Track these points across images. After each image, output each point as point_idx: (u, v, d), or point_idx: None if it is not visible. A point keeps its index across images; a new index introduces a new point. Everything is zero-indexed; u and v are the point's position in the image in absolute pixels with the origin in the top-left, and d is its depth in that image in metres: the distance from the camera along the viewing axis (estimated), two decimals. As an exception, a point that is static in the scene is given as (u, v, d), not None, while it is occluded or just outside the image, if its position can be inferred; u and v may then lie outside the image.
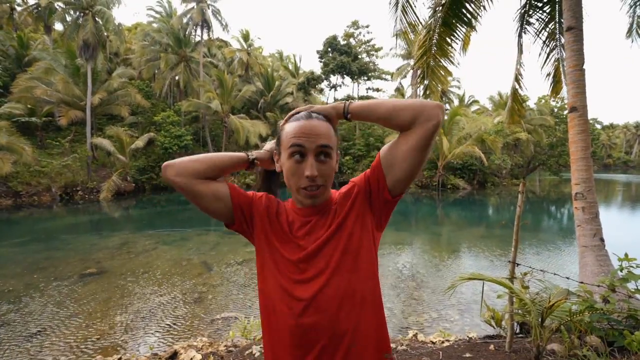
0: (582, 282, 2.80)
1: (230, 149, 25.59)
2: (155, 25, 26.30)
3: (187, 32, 25.47)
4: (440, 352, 2.81)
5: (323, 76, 26.87)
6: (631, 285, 2.65)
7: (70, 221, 13.36)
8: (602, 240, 3.72)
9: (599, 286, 2.78)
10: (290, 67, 32.02)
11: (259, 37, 38.45)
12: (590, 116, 4.21)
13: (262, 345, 3.06)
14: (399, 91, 32.99)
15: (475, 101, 34.40)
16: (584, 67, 3.87)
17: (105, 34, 19.94)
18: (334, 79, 27.23)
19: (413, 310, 5.24)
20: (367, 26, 28.27)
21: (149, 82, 26.14)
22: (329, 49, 26.70)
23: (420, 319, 4.88)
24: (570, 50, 3.89)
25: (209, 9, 24.93)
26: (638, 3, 4.95)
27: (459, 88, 33.01)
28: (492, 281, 2.22)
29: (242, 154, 0.89)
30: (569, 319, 2.33)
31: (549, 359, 2.52)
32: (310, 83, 26.63)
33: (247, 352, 2.98)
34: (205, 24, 25.28)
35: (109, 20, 19.28)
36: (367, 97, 27.76)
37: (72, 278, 6.55)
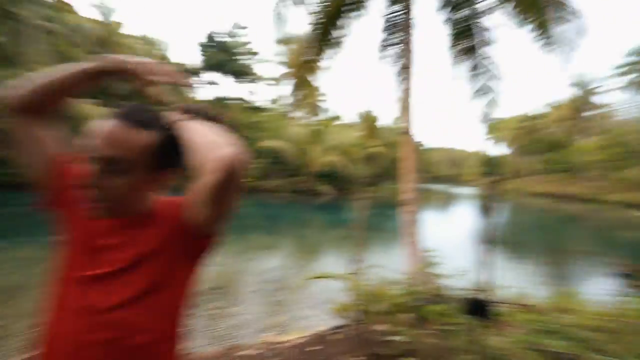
0: (405, 272, 3.53)
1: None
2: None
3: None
4: (296, 349, 3.02)
5: (199, 71, 25.07)
6: (435, 271, 3.50)
7: None
8: (421, 236, 4.77)
9: (416, 273, 3.56)
10: (157, 53, 28.53)
11: (115, 10, 32.69)
12: (423, 139, 5.38)
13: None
14: (277, 98, 33.95)
15: (342, 115, 38.68)
16: (412, 99, 4.91)
17: None
18: (213, 75, 25.79)
19: (274, 312, 5.41)
20: (245, 27, 28.01)
21: None
22: (211, 44, 25.20)
23: (278, 320, 5.07)
24: (405, 84, 4.87)
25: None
26: (456, 58, 6.55)
27: (326, 102, 36.45)
28: (338, 277, 2.54)
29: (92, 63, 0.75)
30: (393, 302, 2.90)
31: (379, 338, 3.05)
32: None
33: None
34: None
35: None
36: (244, 100, 27.42)
37: None
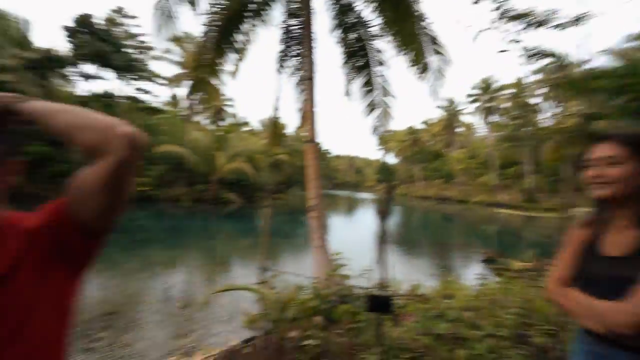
0: (312, 276, 3.59)
1: None
2: None
3: None
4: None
5: (72, 59, 21.18)
6: (342, 273, 3.66)
7: None
8: (327, 240, 4.95)
9: (322, 277, 3.65)
10: (13, 33, 23.09)
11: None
12: (327, 146, 5.62)
13: None
14: (174, 100, 31.20)
15: (248, 122, 37.93)
16: (315, 108, 5.10)
17: None
18: (88, 67, 22.09)
19: (179, 332, 4.87)
20: (135, 17, 25.01)
21: None
22: (83, 29, 21.50)
23: (186, 341, 4.59)
24: (307, 95, 5.04)
25: None
26: (348, 74, 7.15)
27: (232, 107, 35.29)
28: (244, 289, 2.41)
29: None
30: (302, 307, 2.90)
31: (289, 344, 3.01)
32: (49, 64, 20.21)
33: None
34: None
35: None
36: (135, 99, 24.36)
37: None
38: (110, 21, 23.81)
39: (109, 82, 25.12)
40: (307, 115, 4.99)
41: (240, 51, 5.96)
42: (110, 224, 0.64)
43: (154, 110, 25.19)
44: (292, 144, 32.11)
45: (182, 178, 23.61)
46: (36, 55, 20.09)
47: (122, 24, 24.24)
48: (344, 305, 3.25)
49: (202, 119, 28.58)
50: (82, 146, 0.59)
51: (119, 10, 24.25)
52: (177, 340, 4.64)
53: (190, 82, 6.39)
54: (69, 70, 21.70)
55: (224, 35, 5.61)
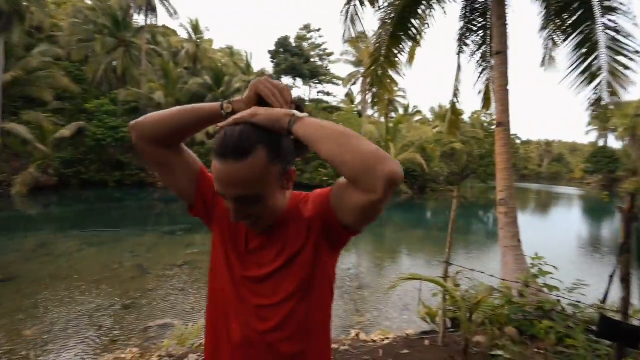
0: (503, 279, 3.14)
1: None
2: (88, 1, 23.68)
3: (128, 15, 23.38)
4: (381, 350, 2.93)
5: (275, 76, 26.61)
6: (541, 281, 3.04)
7: (-31, 219, 11.38)
8: (519, 241, 4.21)
9: (516, 282, 3.14)
10: (242, 64, 31.19)
11: (207, 29, 36.81)
12: (513, 131, 4.76)
13: (199, 354, 2.90)
14: (349, 97, 34.00)
15: (419, 111, 36.81)
16: (508, 87, 4.35)
17: (25, 3, 17.38)
18: (286, 79, 27.13)
19: (356, 310, 5.39)
20: (319, 30, 28.64)
21: (80, 65, 23.40)
22: (281, 49, 26.56)
23: (362, 319, 5.04)
24: (498, 72, 4.35)
25: (155, -8, 23.22)
26: (550, 38, 5.73)
27: (404, 98, 35.00)
28: (428, 280, 2.38)
29: (215, 106, 0.73)
30: (492, 313, 2.59)
31: (475, 350, 2.77)
32: (261, 82, 26.17)
33: (183, 361, 2.80)
34: (150, 8, 23.48)
35: (30, -12, 16.92)
36: (319, 101, 28.12)
37: (-31, 286, 5.57)
38: (300, 38, 28.33)
39: (299, 90, 30.05)
40: (498, 94, 4.33)
41: (416, 37, 5.81)
42: (362, 227, 0.72)
43: (333, 109, 28.33)
44: (468, 131, 29.00)
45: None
46: (254, 77, 26.37)
47: (309, 38, 28.39)
48: (546, 322, 2.70)
49: (374, 112, 29.93)
50: (346, 174, 0.62)
51: (307, 27, 28.49)
52: (355, 317, 5.14)
53: (365, 79, 6.76)
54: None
55: (400, 22, 5.60)
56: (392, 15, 5.68)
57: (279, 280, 0.73)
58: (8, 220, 11.68)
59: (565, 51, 5.05)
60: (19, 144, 17.35)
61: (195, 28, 27.30)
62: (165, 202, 17.67)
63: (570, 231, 15.03)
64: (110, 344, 4.07)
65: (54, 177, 17.51)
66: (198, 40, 27.35)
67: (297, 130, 0.65)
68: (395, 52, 5.94)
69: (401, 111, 33.91)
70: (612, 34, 4.58)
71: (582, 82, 4.87)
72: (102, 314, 4.84)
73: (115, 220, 12.56)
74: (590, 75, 4.79)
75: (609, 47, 4.67)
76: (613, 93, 4.66)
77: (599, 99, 4.84)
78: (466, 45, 6.22)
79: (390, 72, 6.18)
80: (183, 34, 28.08)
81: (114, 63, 23.22)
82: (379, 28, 5.95)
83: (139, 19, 24.59)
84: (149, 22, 24.19)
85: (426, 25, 5.86)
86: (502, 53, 4.44)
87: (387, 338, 3.47)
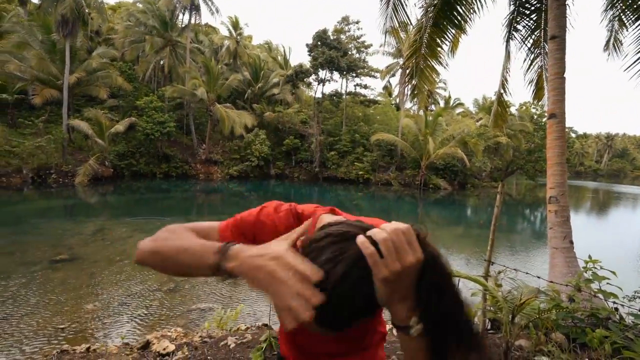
0: (551, 282, 2.92)
1: (215, 138, 25.12)
2: (139, 5, 25.30)
3: (174, 15, 24.66)
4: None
5: (312, 70, 26.69)
6: (594, 286, 2.78)
7: (41, 205, 12.80)
8: (571, 242, 3.88)
9: (566, 286, 2.91)
10: (280, 58, 31.63)
11: (247, 25, 37.66)
12: (567, 124, 4.37)
13: (237, 337, 3.04)
14: (387, 89, 33.20)
15: (460, 104, 35.06)
16: (564, 75, 3.99)
17: (87, 10, 19.01)
18: (323, 73, 27.09)
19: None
20: (358, 22, 28.06)
21: (132, 65, 25.19)
22: (319, 43, 26.49)
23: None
24: (553, 58, 4.00)
25: (198, -8, 24.21)
26: (616, 18, 5.14)
27: (444, 90, 33.48)
28: (468, 278, 2.28)
29: (210, 266, 0.54)
30: (537, 316, 2.43)
31: (517, 354, 2.62)
32: (298, 76, 26.38)
33: (221, 343, 2.95)
34: (194, 8, 24.54)
35: (91, -5, 18.43)
36: (356, 94, 27.78)
37: (41, 264, 6.29)
38: (338, 31, 28.04)
39: (337, 83, 29.76)
40: (552, 83, 3.99)
41: (461, 24, 5.51)
42: None
43: (371, 102, 27.84)
44: (515, 124, 27.16)
45: (393, 163, 25.10)
46: (292, 71, 26.64)
47: (347, 31, 28.01)
48: (601, 330, 2.47)
49: (412, 105, 28.98)
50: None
51: (345, 19, 28.11)
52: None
53: (404, 70, 6.54)
54: (311, 79, 27.52)
55: (444, 8, 5.34)
56: (436, 1, 5.42)
57: None
58: (72, 207, 12.99)
59: (635, 34, 4.52)
60: (81, 139, 19.16)
61: (235, 25, 28.10)
62: (206, 192, 18.60)
63: (632, 235, 13.58)
64: (157, 322, 4.41)
65: (109, 168, 19.14)
66: (238, 37, 28.14)
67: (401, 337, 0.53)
68: (438, 41, 5.69)
69: (442, 104, 32.51)
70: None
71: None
72: (151, 295, 5.24)
73: (162, 209, 13.47)
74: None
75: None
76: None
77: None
78: (516, 30, 5.79)
79: (432, 63, 5.94)
80: (224, 31, 29.04)
81: (162, 62, 24.68)
82: (422, 16, 5.72)
83: (183, 19, 25.84)
84: (192, 21, 25.32)
85: (472, 11, 5.54)
86: (558, 37, 4.06)
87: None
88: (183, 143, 24.37)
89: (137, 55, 25.11)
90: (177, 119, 24.03)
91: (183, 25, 25.64)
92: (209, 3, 24.82)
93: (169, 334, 3.41)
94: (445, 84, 32.23)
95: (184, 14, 25.40)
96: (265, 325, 3.58)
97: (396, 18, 5.60)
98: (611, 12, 4.91)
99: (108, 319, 4.45)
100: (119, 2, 30.79)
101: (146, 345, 3.08)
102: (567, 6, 4.15)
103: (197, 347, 2.93)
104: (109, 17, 25.70)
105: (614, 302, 2.57)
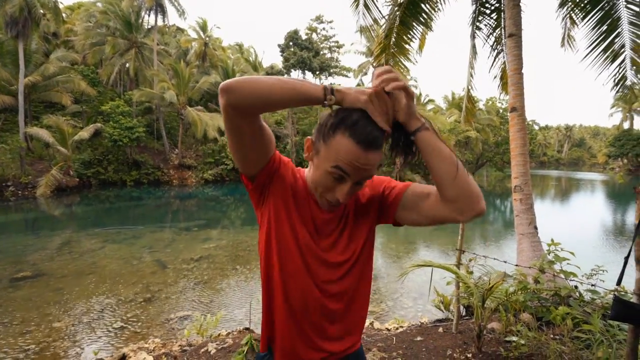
0: (517, 266, 3.09)
1: (187, 142, 24.44)
2: (99, 5, 24.12)
3: (139, 16, 23.72)
4: (394, 338, 2.95)
5: (284, 70, 26.58)
6: (557, 267, 2.98)
7: (-1, 220, 11.95)
8: (535, 228, 4.12)
9: (531, 268, 3.09)
10: (252, 59, 31.25)
11: (217, 27, 36.94)
12: (529, 117, 4.63)
13: (218, 342, 2.99)
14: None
15: (431, 100, 36.11)
16: (522, 71, 4.22)
17: (40, 10, 17.87)
18: (295, 74, 27.06)
19: (371, 300, 5.43)
20: (331, 21, 28.25)
21: (95, 69, 23.99)
22: (290, 44, 26.44)
23: (377, 309, 5.07)
24: (511, 55, 4.22)
25: (163, -8, 23.44)
26: (567, 17, 5.49)
27: (415, 87, 34.36)
28: (440, 267, 2.37)
29: (316, 93, 0.67)
30: (506, 298, 2.57)
31: (489, 336, 2.75)
32: (271, 77, 26.19)
33: (202, 350, 2.90)
34: (160, 9, 23.76)
35: (43, -6, 17.33)
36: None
37: (1, 283, 5.88)
38: (311, 29, 28.08)
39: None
40: (512, 79, 4.21)
41: (427, 22, 5.68)
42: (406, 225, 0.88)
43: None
44: (483, 119, 28.32)
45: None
46: (263, 72, 26.40)
47: (321, 30, 28.12)
48: (563, 308, 2.65)
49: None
50: (448, 193, 0.73)
51: (319, 18, 28.21)
52: (370, 306, 5.17)
53: (375, 68, 6.68)
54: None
55: (410, 6, 5.48)
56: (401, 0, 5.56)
57: (342, 247, 0.84)
58: (34, 221, 12.21)
59: (585, 30, 4.85)
60: (41, 148, 18.05)
61: (204, 27, 27.47)
62: (181, 198, 18.07)
63: (591, 217, 14.58)
64: (133, 335, 4.25)
65: (75, 178, 18.15)
66: (207, 39, 27.52)
67: (421, 137, 0.71)
68: (406, 38, 5.83)
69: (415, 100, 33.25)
70: (635, 9, 4.36)
71: (604, 61, 4.67)
72: (125, 306, 5.04)
73: (133, 218, 12.94)
74: (612, 53, 4.58)
75: (632, 23, 4.45)
76: (638, 71, 4.46)
77: (623, 78, 4.64)
78: (479, 29, 6.05)
79: (401, 60, 6.08)
80: (193, 34, 28.29)
81: (127, 65, 23.69)
82: (389, 14, 5.84)
83: (149, 20, 24.94)
84: (159, 22, 24.50)
85: (437, 9, 5.72)
86: (515, 35, 4.30)
87: (401, 326, 3.49)
88: (154, 148, 23.54)
89: (100, 58, 23.93)
90: (147, 123, 23.15)
91: (149, 27, 24.75)
92: (176, 4, 24.12)
93: (147, 345, 3.30)
94: (416, 81, 33.10)
95: (149, 15, 24.53)
96: (247, 329, 3.54)
97: (370, 15, 5.70)
98: (563, 10, 5.23)
99: (79, 335, 4.23)
100: (78, 2, 29.21)
101: (122, 359, 2.97)
102: (521, 6, 4.39)
103: (176, 357, 2.86)
104: (67, 18, 24.35)
105: (574, 280, 2.75)
